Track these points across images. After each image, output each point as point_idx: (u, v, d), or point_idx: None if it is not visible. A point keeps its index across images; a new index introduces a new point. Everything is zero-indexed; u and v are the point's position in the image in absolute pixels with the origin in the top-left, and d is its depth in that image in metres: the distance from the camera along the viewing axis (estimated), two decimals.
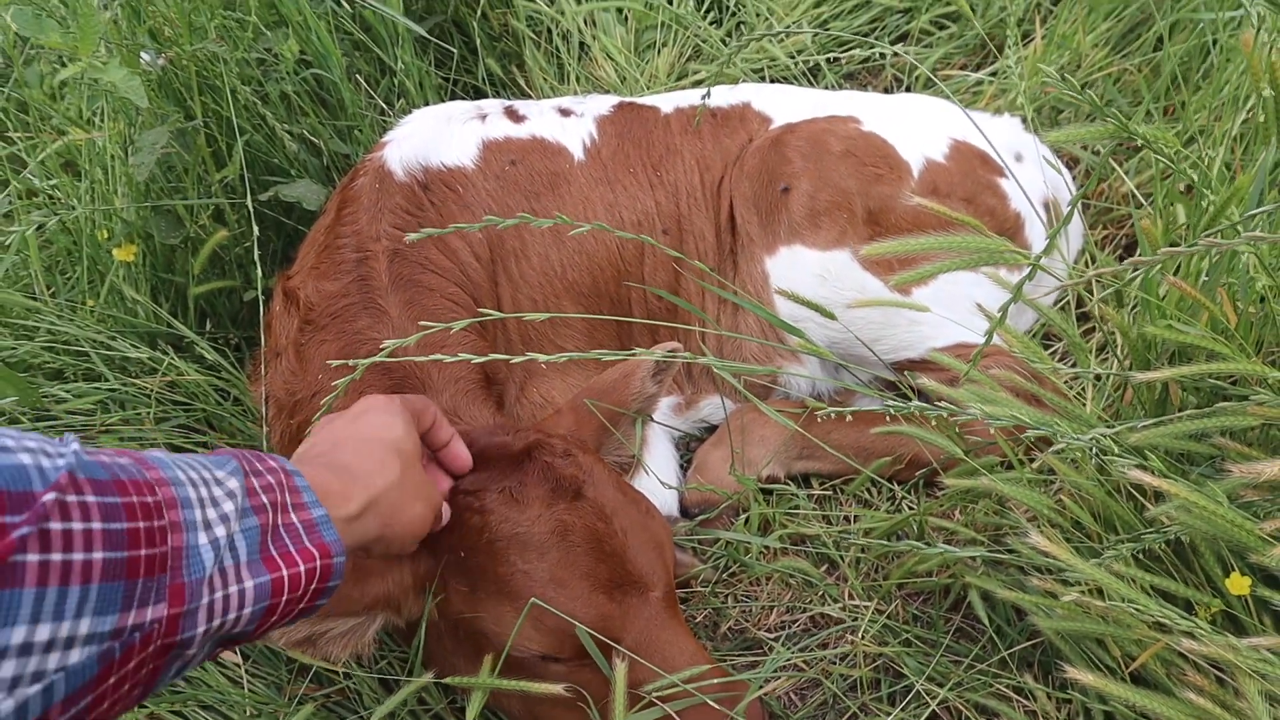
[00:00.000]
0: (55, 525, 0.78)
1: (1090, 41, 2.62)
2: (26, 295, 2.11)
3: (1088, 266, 2.05)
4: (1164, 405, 1.52)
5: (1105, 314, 1.49)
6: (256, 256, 1.89)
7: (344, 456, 1.21)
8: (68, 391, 1.98)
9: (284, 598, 1.01)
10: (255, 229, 1.89)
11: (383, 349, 1.44)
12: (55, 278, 2.21)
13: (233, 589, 0.95)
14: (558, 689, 1.35)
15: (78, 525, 0.80)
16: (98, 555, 0.81)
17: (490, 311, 1.45)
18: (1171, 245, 1.11)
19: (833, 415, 1.37)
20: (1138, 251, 1.56)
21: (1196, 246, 0.98)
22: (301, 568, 1.02)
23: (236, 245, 2.15)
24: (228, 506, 0.97)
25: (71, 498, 0.81)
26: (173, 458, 0.97)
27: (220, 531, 0.95)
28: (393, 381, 1.64)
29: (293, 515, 1.05)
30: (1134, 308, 1.85)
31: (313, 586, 1.04)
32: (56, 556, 0.78)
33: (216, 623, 0.94)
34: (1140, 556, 1.45)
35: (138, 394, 2.00)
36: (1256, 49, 1.15)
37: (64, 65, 1.88)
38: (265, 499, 1.02)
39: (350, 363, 1.42)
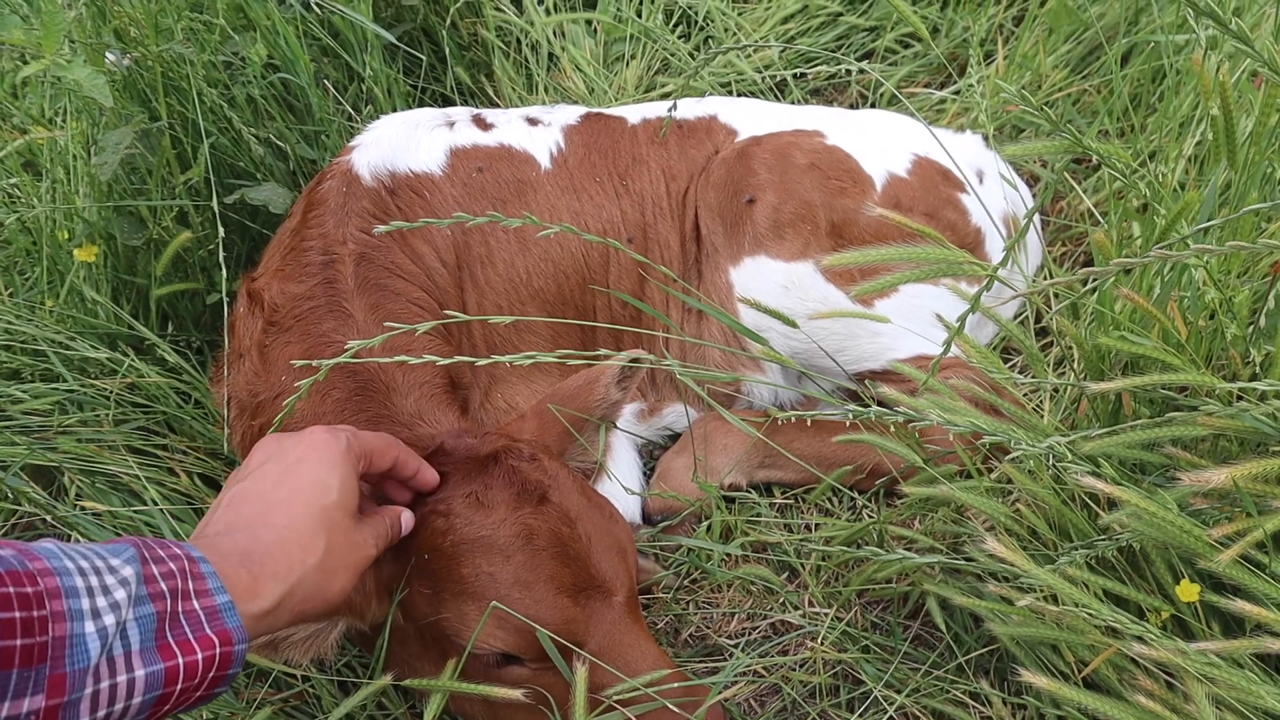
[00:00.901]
0: None
1: (1051, 63, 2.68)
2: None
3: (1045, 279, 2.09)
4: (1117, 416, 1.55)
5: (1061, 325, 1.52)
6: (222, 259, 1.88)
7: (264, 536, 1.15)
8: (24, 392, 1.95)
9: (178, 686, 0.98)
10: (220, 231, 1.88)
11: (347, 349, 1.43)
12: (14, 277, 2.19)
13: (121, 678, 0.93)
14: (517, 694, 1.35)
15: None
16: None
17: (456, 314, 1.45)
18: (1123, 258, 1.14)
19: (793, 419, 1.38)
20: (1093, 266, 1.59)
21: (1147, 258, 1.01)
22: (199, 655, 0.99)
23: (200, 248, 2.14)
24: (119, 595, 0.94)
25: None
26: (63, 548, 0.95)
27: (109, 620, 0.92)
28: (357, 384, 1.64)
29: (194, 601, 1.01)
30: (1090, 323, 1.88)
31: (210, 674, 1.01)
32: None
33: (102, 713, 0.91)
34: (1094, 564, 1.48)
35: (96, 395, 1.98)
36: (1205, 69, 1.19)
37: (26, 63, 1.87)
38: (164, 585, 0.99)
39: (314, 363, 1.42)
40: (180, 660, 0.97)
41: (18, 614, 0.84)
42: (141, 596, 0.96)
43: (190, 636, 0.99)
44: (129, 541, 1.01)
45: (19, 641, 0.84)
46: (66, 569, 0.91)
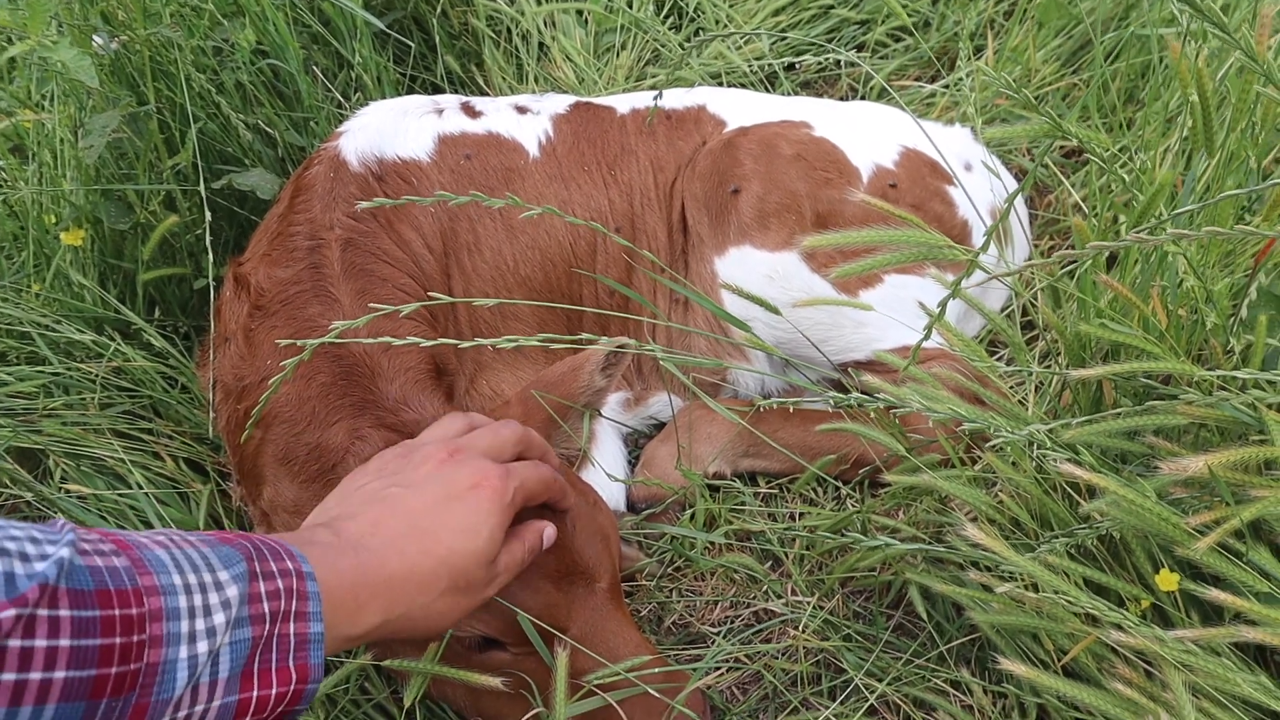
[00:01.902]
0: (14, 643, 0.73)
1: (1041, 57, 2.68)
2: None
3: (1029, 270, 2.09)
4: (1099, 405, 1.56)
5: (1043, 313, 1.53)
6: (209, 243, 1.88)
7: (390, 564, 1.08)
8: (10, 374, 1.95)
9: (247, 718, 0.93)
10: (208, 216, 1.88)
11: (332, 330, 1.43)
12: (0, 261, 2.18)
13: (199, 707, 0.88)
14: (496, 682, 1.35)
15: (41, 643, 0.74)
16: (59, 674, 0.75)
17: (440, 296, 1.45)
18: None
19: (775, 405, 1.39)
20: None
21: (1124, 242, 1.01)
22: (274, 690, 0.94)
23: (187, 233, 2.14)
24: (219, 619, 0.89)
25: (42, 612, 0.75)
26: (174, 552, 0.89)
27: (203, 647, 0.87)
28: (342, 369, 1.64)
29: (291, 625, 0.96)
30: (1073, 313, 1.89)
31: (279, 710, 0.96)
32: (9, 676, 0.73)
33: None
34: (1074, 552, 1.48)
35: (82, 379, 1.98)
36: (1184, 56, 1.19)
37: (12, 43, 1.86)
38: (268, 607, 0.94)
39: (299, 343, 1.42)
40: (255, 694, 0.93)
41: (118, 640, 0.80)
42: (242, 619, 0.91)
43: (273, 667, 0.94)
44: (240, 548, 0.95)
45: (114, 670, 0.80)
46: (174, 586, 0.86)
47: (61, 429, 1.89)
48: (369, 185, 1.89)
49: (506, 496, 1.20)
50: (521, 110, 2.15)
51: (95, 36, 1.96)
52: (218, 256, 1.95)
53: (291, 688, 0.95)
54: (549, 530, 1.32)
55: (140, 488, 1.84)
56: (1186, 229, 1.08)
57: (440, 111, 2.08)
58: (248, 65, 2.20)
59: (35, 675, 0.74)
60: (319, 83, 2.41)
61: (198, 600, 0.88)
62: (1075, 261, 1.14)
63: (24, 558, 0.75)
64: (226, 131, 2.17)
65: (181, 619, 0.86)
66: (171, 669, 0.85)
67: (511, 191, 2.01)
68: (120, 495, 1.84)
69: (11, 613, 0.73)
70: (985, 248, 1.26)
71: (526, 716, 1.38)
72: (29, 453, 1.90)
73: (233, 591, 0.90)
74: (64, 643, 0.76)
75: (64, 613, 0.77)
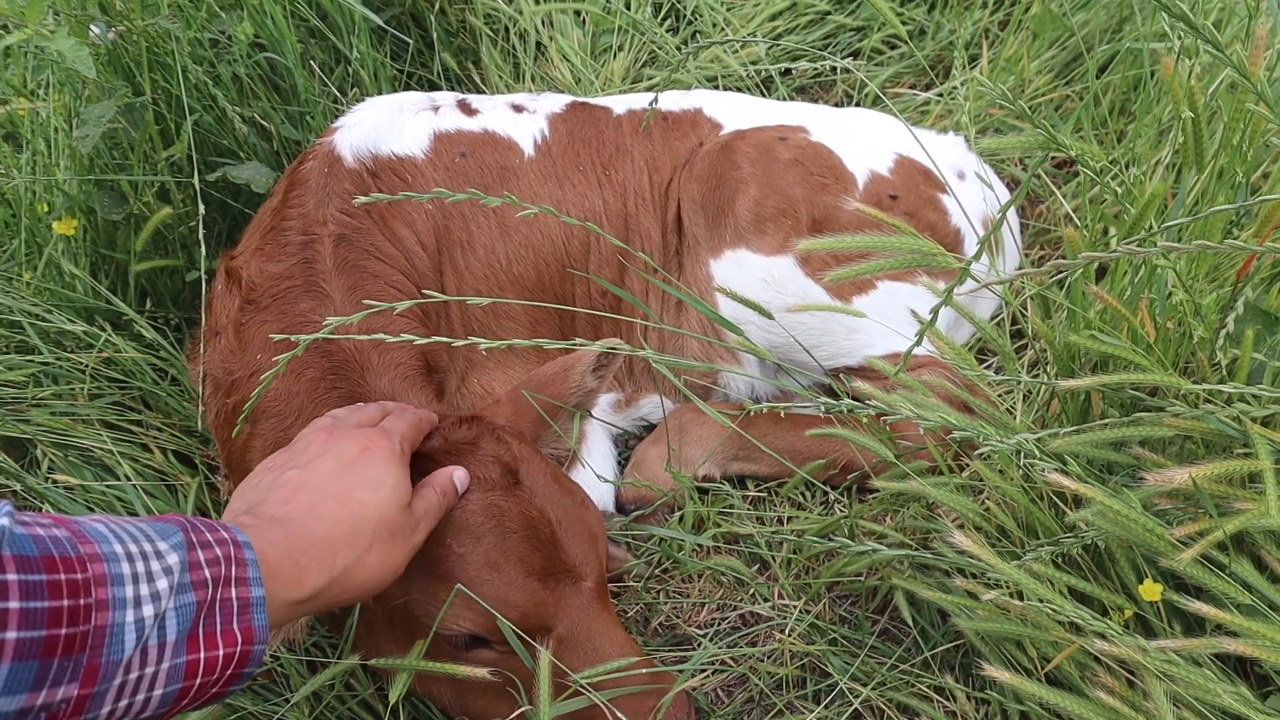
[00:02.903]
0: None
1: (1035, 68, 2.70)
2: None
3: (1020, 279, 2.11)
4: (1086, 415, 1.57)
5: (1033, 323, 1.54)
6: (202, 236, 1.87)
7: (315, 529, 1.15)
8: None
9: (197, 681, 0.98)
10: (201, 207, 1.88)
11: (325, 326, 1.43)
12: None
13: (149, 669, 0.92)
14: (483, 673, 1.35)
15: None
16: (10, 635, 0.79)
17: (434, 293, 1.46)
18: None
19: (766, 411, 1.39)
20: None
21: (1115, 253, 1.02)
22: (220, 652, 0.99)
23: (181, 225, 2.13)
24: (161, 584, 0.93)
25: None
26: (113, 527, 0.94)
27: (149, 611, 0.92)
28: (332, 364, 1.64)
29: (233, 590, 1.01)
30: (1062, 324, 1.90)
31: (228, 672, 1.00)
32: None
33: (124, 703, 0.91)
34: (1059, 561, 1.49)
35: (72, 369, 1.98)
36: (1177, 73, 1.20)
37: (9, 31, 1.86)
38: (208, 573, 0.98)
39: (291, 338, 1.42)
40: (202, 655, 0.97)
41: (65, 602, 0.84)
42: (184, 584, 0.96)
43: (218, 630, 0.99)
44: (175, 522, 1.00)
45: (63, 631, 0.83)
46: (115, 554, 0.91)
47: (50, 419, 1.88)
48: (363, 181, 1.89)
49: (394, 448, 1.29)
50: (518, 109, 2.15)
51: (92, 26, 1.95)
52: (210, 249, 1.94)
53: (239, 649, 1.00)
54: (459, 473, 1.39)
55: (128, 479, 1.83)
56: (1177, 242, 1.09)
57: (436, 109, 2.08)
58: (245, 58, 2.20)
59: None
60: (315, 77, 2.41)
61: (140, 567, 0.92)
62: (1065, 272, 1.15)
63: None
64: (222, 124, 2.17)
65: (126, 584, 0.90)
66: (120, 631, 0.89)
67: (506, 189, 2.01)
68: (108, 487, 1.83)
69: None
70: (978, 256, 1.27)
71: (512, 715, 1.38)
72: (17, 442, 1.89)
73: (173, 559, 0.95)
74: (13, 605, 0.80)
75: (11, 577, 0.80)
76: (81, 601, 0.86)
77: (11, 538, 0.82)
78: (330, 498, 1.20)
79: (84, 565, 0.87)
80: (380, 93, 2.49)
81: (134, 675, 0.91)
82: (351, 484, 1.23)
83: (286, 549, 1.10)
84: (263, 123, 2.25)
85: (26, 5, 1.67)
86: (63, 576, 0.85)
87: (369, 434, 1.31)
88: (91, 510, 1.80)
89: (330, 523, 1.17)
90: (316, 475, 1.23)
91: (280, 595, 1.07)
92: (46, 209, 2.08)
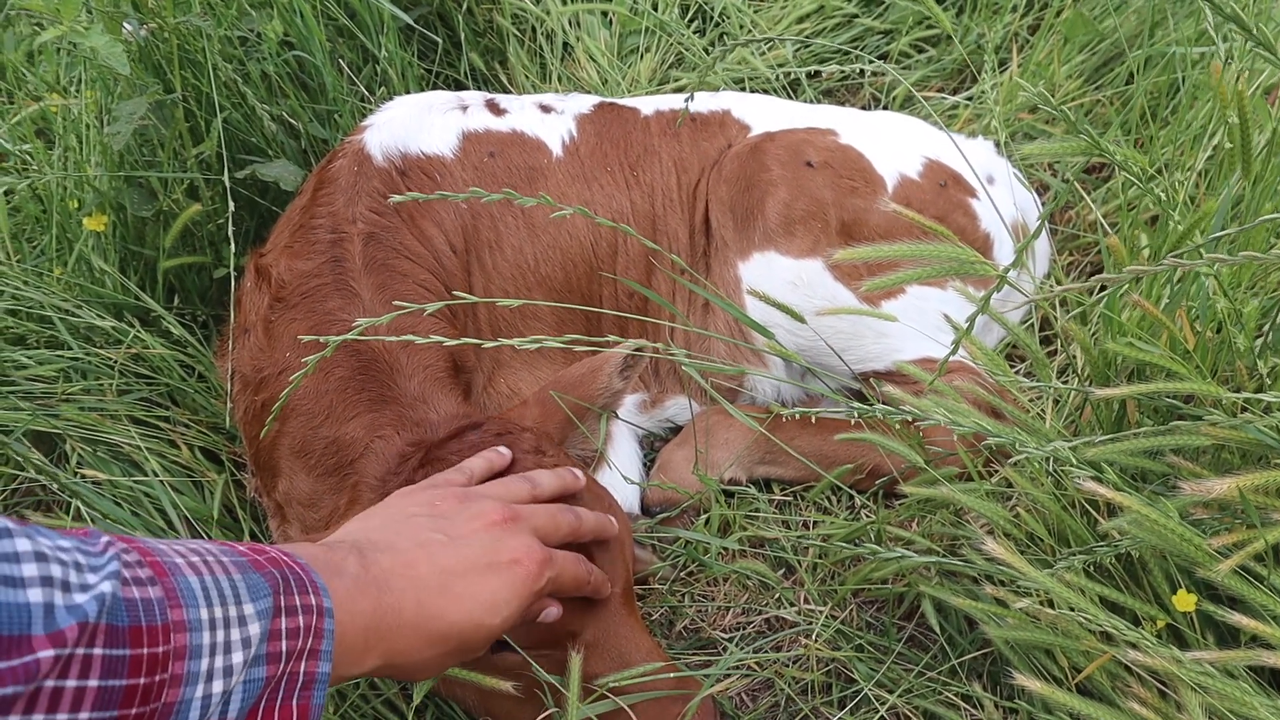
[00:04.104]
0: (49, 684, 0.72)
1: (1065, 72, 2.68)
2: None
3: (1056, 284, 2.09)
4: (1121, 423, 1.55)
5: (1069, 330, 1.52)
6: (230, 233, 1.88)
7: (408, 614, 1.08)
8: (29, 358, 1.95)
9: None
10: (230, 205, 1.88)
11: (355, 327, 1.43)
12: (22, 244, 2.19)
13: None
14: (507, 686, 1.35)
15: (72, 683, 0.74)
16: (82, 716, 0.75)
17: (463, 295, 1.45)
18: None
19: (796, 416, 1.39)
20: (1104, 273, 1.59)
21: (1161, 266, 1.01)
22: None
23: (209, 222, 2.14)
24: (236, 658, 0.88)
25: (79, 650, 0.74)
26: (206, 582, 0.88)
27: (218, 687, 0.87)
28: (360, 364, 1.64)
29: (302, 664, 0.96)
30: (1095, 331, 1.88)
31: None
32: (38, 718, 0.72)
33: None
34: (1091, 570, 1.48)
35: (101, 364, 1.98)
36: (1224, 78, 1.19)
37: (43, 28, 1.87)
38: (285, 645, 0.93)
39: (322, 339, 1.42)
40: None
41: (141, 680, 0.80)
42: (259, 656, 0.91)
43: (277, 706, 0.94)
44: (269, 578, 0.94)
45: (134, 711, 0.79)
46: (199, 621, 0.86)
47: (79, 414, 1.89)
48: (392, 180, 1.89)
49: (539, 582, 1.21)
50: (546, 109, 2.15)
51: (125, 23, 1.96)
52: (239, 246, 1.95)
53: None
54: (552, 610, 1.32)
55: (156, 475, 1.84)
56: (1221, 253, 1.07)
57: (465, 108, 2.08)
58: (274, 56, 2.21)
59: (60, 717, 0.74)
60: (344, 76, 2.42)
61: (220, 636, 0.87)
62: (1110, 287, 1.14)
63: (65, 587, 0.74)
64: (251, 122, 2.17)
65: (203, 657, 0.86)
66: (185, 709, 0.85)
67: (534, 189, 2.01)
68: (136, 482, 1.84)
69: (50, 653, 0.71)
70: (1016, 264, 1.26)
71: (539, 718, 1.37)
72: (46, 436, 1.90)
73: (254, 630, 0.90)
74: (92, 683, 0.76)
75: (98, 651, 0.76)
76: (157, 678, 0.81)
77: (108, 606, 0.77)
78: (447, 591, 1.12)
79: (168, 636, 0.82)
80: (408, 92, 2.49)
81: None
82: (477, 591, 1.14)
83: (365, 623, 1.04)
84: (291, 121, 2.26)
85: (61, 2, 1.68)
86: (145, 651, 0.80)
87: (533, 550, 1.21)
88: (119, 506, 1.81)
89: (425, 616, 1.10)
90: (454, 557, 1.15)
91: (338, 670, 1.02)
92: (77, 205, 2.09)
